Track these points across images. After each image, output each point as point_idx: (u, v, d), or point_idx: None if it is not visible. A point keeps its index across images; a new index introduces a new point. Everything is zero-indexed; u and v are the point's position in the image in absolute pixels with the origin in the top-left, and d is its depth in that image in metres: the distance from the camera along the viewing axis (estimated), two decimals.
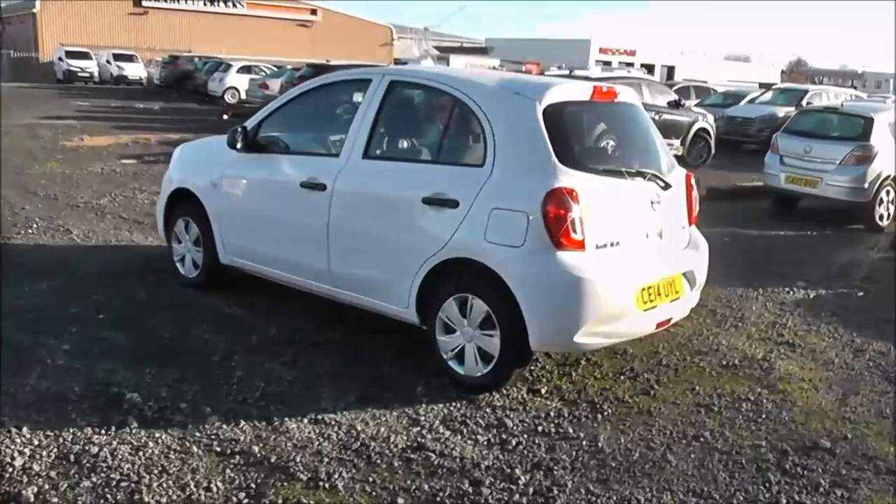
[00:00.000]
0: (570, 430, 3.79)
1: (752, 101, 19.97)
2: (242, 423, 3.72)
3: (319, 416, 3.81)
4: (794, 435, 3.93)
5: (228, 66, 27.90)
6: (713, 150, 15.15)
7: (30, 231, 7.35)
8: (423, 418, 3.84)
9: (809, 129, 10.21)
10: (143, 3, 44.26)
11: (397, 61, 38.98)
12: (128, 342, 4.73)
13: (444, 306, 4.22)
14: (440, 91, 4.47)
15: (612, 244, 4.08)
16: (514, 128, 4.12)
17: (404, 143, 4.66)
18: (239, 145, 5.20)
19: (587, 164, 4.17)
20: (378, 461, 3.43)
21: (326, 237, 4.75)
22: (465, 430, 3.74)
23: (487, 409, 3.98)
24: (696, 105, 19.93)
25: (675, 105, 14.56)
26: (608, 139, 4.62)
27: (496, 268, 3.99)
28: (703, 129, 14.99)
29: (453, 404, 4.01)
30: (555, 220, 3.87)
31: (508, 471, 3.38)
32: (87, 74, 37.23)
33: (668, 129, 14.35)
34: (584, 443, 3.69)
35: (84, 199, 8.93)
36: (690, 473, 3.48)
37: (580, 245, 3.93)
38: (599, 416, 4.00)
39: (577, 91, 4.39)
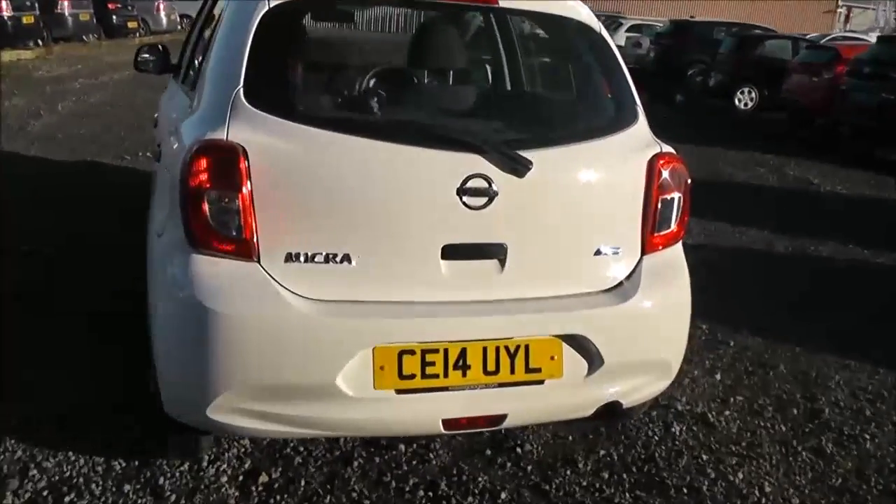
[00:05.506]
0: None
1: None
2: None
3: None
4: None
5: (619, 24, 26.91)
6: None
7: (126, 158, 8.25)
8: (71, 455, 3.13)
9: None
10: None
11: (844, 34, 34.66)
12: None
13: None
14: None
15: (328, 258, 2.31)
16: (225, 42, 2.59)
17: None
18: (136, 65, 4.32)
19: (316, 111, 2.59)
20: None
21: None
22: (60, 471, 3.03)
23: (127, 464, 3.10)
24: None
25: None
26: (422, 71, 3.15)
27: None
28: None
29: (126, 449, 3.17)
30: (192, 199, 2.26)
31: None
32: None
33: None
34: None
35: None
36: None
37: (241, 251, 2.28)
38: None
39: None
